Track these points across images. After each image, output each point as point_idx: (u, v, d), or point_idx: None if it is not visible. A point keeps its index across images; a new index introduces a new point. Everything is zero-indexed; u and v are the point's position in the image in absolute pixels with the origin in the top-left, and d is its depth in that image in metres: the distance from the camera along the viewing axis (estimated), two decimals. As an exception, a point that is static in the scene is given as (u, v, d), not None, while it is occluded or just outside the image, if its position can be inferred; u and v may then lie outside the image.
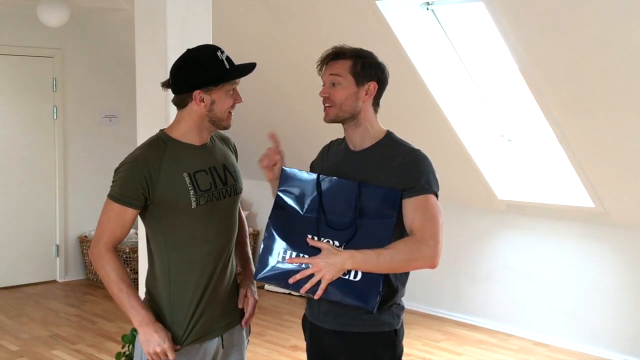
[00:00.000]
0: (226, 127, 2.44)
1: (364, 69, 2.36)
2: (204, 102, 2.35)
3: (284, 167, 2.41)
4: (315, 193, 2.32)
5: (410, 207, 2.26)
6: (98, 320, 5.89)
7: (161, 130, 2.48)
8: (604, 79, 4.06)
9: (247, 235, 2.75)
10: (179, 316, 2.40)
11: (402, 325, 2.42)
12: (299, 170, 2.40)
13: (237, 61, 2.42)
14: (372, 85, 2.37)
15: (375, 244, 2.22)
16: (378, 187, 2.28)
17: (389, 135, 2.42)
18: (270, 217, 2.36)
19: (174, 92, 2.42)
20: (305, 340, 2.54)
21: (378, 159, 2.36)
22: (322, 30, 5.11)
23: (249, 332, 2.63)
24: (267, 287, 6.39)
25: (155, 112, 3.66)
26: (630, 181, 4.57)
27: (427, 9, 4.79)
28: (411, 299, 4.40)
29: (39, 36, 6.75)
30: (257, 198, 7.31)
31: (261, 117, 6.39)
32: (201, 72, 2.34)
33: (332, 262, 2.20)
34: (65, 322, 5.87)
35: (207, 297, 2.42)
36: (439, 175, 2.37)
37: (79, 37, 7.07)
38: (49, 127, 7.00)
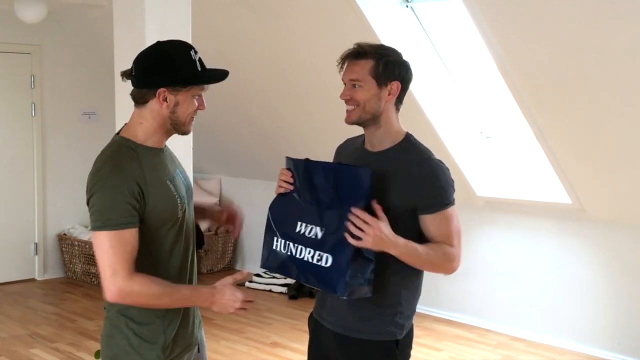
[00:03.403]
0: (186, 133, 2.23)
1: (386, 69, 2.26)
2: (166, 102, 2.14)
3: (287, 156, 2.38)
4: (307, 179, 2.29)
5: (432, 222, 2.26)
6: (77, 318, 5.86)
7: (118, 135, 2.23)
8: (581, 76, 4.10)
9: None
10: (165, 331, 2.23)
11: (407, 335, 2.35)
12: (300, 158, 2.35)
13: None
14: (395, 85, 2.28)
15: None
16: (350, 168, 2.20)
17: (407, 138, 2.34)
18: (271, 205, 2.36)
19: (134, 84, 2.19)
20: (309, 336, 2.50)
21: (395, 164, 2.28)
22: (300, 26, 5.11)
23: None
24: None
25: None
26: (607, 178, 4.62)
27: (407, 6, 4.82)
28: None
29: (17, 32, 6.68)
30: (236, 194, 7.30)
31: (239, 113, 6.38)
32: (173, 70, 2.13)
33: (386, 234, 2.13)
34: (44, 320, 5.83)
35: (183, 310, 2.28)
36: None
37: (58, 33, 7.02)
38: (27, 125, 6.94)
